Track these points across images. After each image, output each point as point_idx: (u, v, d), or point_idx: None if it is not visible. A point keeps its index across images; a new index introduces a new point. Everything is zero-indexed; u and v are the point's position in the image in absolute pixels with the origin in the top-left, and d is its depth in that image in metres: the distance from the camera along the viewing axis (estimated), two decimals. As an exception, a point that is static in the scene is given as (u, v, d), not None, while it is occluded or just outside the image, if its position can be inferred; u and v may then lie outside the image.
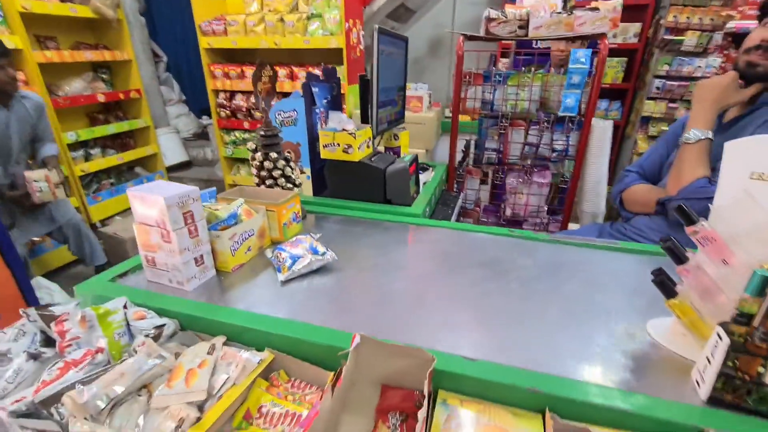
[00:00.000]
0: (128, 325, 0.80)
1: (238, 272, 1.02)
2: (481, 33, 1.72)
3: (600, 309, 0.88)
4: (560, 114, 1.70)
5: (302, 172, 1.50)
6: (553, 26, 1.61)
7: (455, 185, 2.00)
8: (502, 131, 1.85)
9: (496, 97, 1.79)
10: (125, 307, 0.82)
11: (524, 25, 1.65)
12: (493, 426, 0.61)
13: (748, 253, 0.65)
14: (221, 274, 1.00)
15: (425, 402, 0.56)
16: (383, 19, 3.61)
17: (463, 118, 2.10)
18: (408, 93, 3.16)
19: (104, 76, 3.52)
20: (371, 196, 1.44)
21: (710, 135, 1.17)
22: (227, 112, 3.43)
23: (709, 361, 0.63)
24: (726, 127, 1.24)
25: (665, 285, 0.74)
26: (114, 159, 3.44)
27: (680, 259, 0.72)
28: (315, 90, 1.44)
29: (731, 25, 3.17)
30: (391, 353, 0.66)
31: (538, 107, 1.78)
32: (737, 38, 3.32)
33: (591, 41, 1.68)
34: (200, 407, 0.66)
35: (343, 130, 1.36)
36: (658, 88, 3.40)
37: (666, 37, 3.26)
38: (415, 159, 1.52)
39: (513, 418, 0.62)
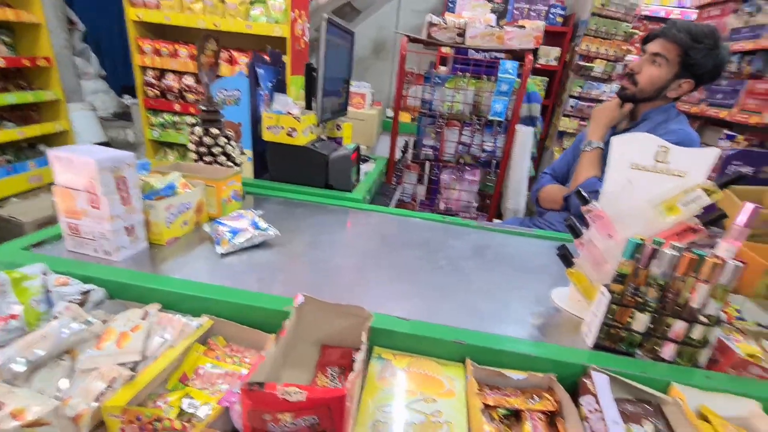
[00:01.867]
0: (48, 292, 0.75)
1: (173, 245, 0.99)
2: (423, 37, 1.84)
3: (515, 282, 1.01)
4: (490, 118, 1.87)
5: (243, 153, 1.47)
6: (486, 37, 1.77)
7: (394, 179, 2.09)
8: (438, 130, 1.98)
9: (435, 98, 1.91)
10: (45, 274, 0.76)
11: (462, 33, 1.79)
12: (422, 374, 0.68)
13: (628, 228, 0.81)
14: (154, 246, 0.97)
15: (362, 347, 0.61)
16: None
17: (405, 118, 2.21)
18: (351, 89, 3.21)
19: (5, 38, 3.08)
20: (313, 180, 1.47)
21: (601, 145, 1.40)
22: (156, 91, 3.19)
23: (595, 315, 0.76)
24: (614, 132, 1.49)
25: (566, 257, 0.88)
26: (13, 133, 3.01)
27: (576, 234, 0.86)
28: (260, 72, 1.43)
29: (629, 57, 3.70)
30: (333, 313, 0.71)
31: (471, 110, 1.94)
32: (634, 70, 3.87)
33: (518, 55, 1.87)
34: (133, 369, 0.64)
35: (288, 113, 1.38)
36: (572, 107, 3.85)
37: (579, 63, 3.70)
38: (357, 148, 1.57)
39: (439, 367, 0.70)
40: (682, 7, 3.53)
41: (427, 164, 2.07)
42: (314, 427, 0.52)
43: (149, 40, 3.08)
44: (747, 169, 1.09)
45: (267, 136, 1.41)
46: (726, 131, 2.28)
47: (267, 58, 1.49)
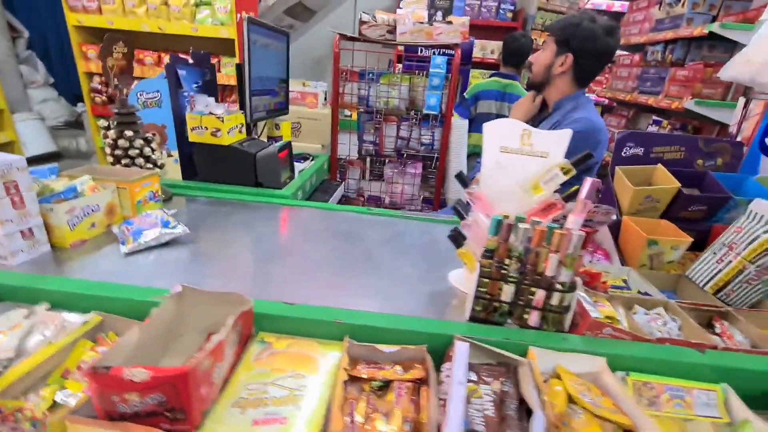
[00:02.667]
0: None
1: (79, 248, 1.00)
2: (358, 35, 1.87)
3: (423, 265, 1.06)
4: (425, 112, 1.92)
5: (170, 155, 1.48)
6: (415, 33, 1.82)
7: (338, 175, 2.12)
8: (377, 125, 2.02)
9: (371, 94, 1.95)
10: (-73, 279, 0.77)
11: (392, 30, 1.84)
12: (299, 353, 0.72)
13: (505, 207, 0.86)
14: (58, 249, 0.97)
15: (223, 330, 0.64)
16: (280, 15, 3.63)
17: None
18: (306, 89, 3.22)
19: (-62, 47, 2.97)
20: (242, 179, 1.49)
21: None
22: (103, 98, 3.14)
23: (471, 290, 0.82)
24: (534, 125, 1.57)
25: (456, 238, 0.93)
26: (-47, 145, 2.92)
27: (462, 216, 0.91)
28: (182, 73, 1.44)
29: (577, 50, 3.82)
30: (215, 301, 0.74)
31: (407, 105, 1.99)
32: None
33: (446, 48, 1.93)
34: (6, 366, 0.66)
35: (211, 113, 1.39)
36: (525, 99, 3.96)
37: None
38: (288, 145, 1.60)
39: (319, 346, 0.74)
40: (620, 0, 3.68)
41: (369, 160, 2.11)
42: (163, 404, 0.55)
43: (93, 45, 3.02)
44: (638, 150, 1.17)
45: (192, 137, 1.42)
46: (654, 117, 2.41)
47: (189, 59, 1.50)
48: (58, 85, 4.33)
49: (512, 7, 4.01)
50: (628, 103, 2.70)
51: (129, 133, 1.22)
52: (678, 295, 1.05)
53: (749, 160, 1.24)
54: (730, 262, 0.93)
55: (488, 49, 3.95)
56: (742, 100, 1.30)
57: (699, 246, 1.11)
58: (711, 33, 1.96)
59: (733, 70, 1.16)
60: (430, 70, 1.85)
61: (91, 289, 0.79)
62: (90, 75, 3.11)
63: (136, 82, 3.02)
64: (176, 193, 1.42)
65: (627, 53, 2.90)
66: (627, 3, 3.18)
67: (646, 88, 2.48)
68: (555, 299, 0.76)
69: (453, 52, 1.88)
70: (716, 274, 0.95)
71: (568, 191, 0.80)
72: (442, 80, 1.87)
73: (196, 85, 1.52)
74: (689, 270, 1.03)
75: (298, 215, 1.35)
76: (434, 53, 1.97)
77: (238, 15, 2.83)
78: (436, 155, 2.08)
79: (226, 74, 3.02)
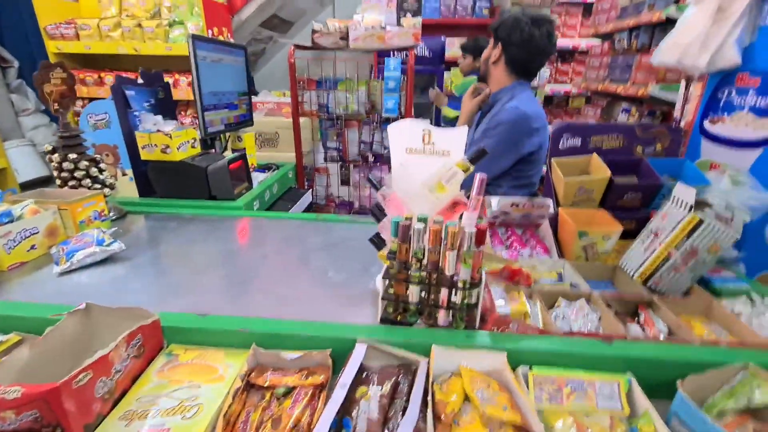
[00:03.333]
0: None
1: (16, 270, 1.02)
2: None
3: (355, 268, 1.06)
4: (384, 115, 1.93)
5: (124, 174, 1.51)
6: (368, 39, 1.84)
7: (306, 183, 2.14)
8: (339, 131, 2.04)
9: (330, 101, 1.97)
10: None
11: (345, 37, 1.86)
12: (201, 364, 0.73)
13: (417, 208, 0.86)
14: (-5, 273, 1.00)
15: (112, 344, 0.65)
16: (257, 29, 3.68)
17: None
18: (282, 100, 3.25)
19: (-73, 82, 3.08)
20: (196, 193, 1.51)
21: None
22: (87, 121, 3.20)
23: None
24: (481, 119, 1.58)
25: (375, 242, 0.94)
26: (-55, 176, 3.01)
27: (378, 218, 0.91)
28: (131, 93, 1.47)
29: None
30: (120, 317, 0.75)
31: (367, 109, 2.01)
32: (561, 54, 3.99)
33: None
34: None
35: (159, 131, 1.42)
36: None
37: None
38: (241, 156, 1.62)
39: (224, 356, 0.75)
40: (596, -10, 3.66)
41: (335, 165, 2.12)
42: (39, 420, 0.56)
43: (74, 71, 3.09)
44: (576, 141, 1.16)
45: (144, 155, 1.45)
46: (624, 105, 2.38)
47: (138, 79, 1.53)
48: (48, 111, 4.44)
49: (488, 5, 4.01)
50: (601, 92, 2.68)
51: (73, 155, 1.25)
52: (615, 285, 1.04)
53: (692, 143, 1.22)
54: (656, 249, 0.92)
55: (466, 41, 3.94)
56: (683, 83, 1.28)
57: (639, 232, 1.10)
58: (668, 17, 1.94)
59: (662, 54, 1.15)
60: (385, 73, 1.86)
61: (8, 310, 0.81)
62: (72, 100, 3.18)
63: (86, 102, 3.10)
64: (132, 210, 1.45)
65: (598, 43, 2.88)
66: (599, -8, 3.15)
67: (616, 76, 2.45)
68: (458, 297, 0.76)
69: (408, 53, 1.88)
70: (643, 263, 0.94)
71: (467, 191, 0.80)
72: (398, 83, 1.88)
73: (147, 104, 1.55)
74: (622, 260, 1.02)
75: (247, 226, 1.37)
76: (388, 56, 1.98)
77: (210, 31, 2.89)
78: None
79: (203, 90, 3.07)
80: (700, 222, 0.87)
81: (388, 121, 2.00)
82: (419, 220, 0.77)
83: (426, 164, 0.84)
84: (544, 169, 1.38)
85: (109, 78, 3.09)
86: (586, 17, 3.84)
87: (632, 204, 1.11)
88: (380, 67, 2.10)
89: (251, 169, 1.95)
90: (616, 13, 2.49)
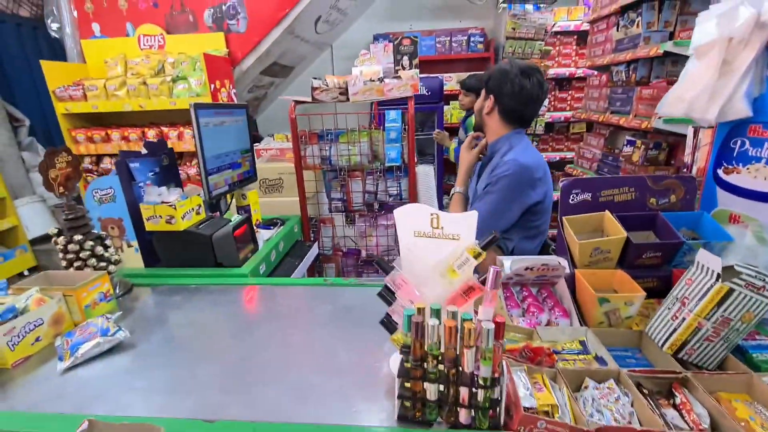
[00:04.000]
0: None
1: (20, 367, 0.99)
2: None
3: (366, 344, 1.02)
4: (387, 165, 1.93)
5: (129, 246, 1.50)
6: (367, 92, 1.85)
7: (311, 235, 2.12)
8: (343, 183, 2.03)
9: (332, 153, 1.98)
10: None
11: (344, 91, 1.88)
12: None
13: (429, 293, 0.83)
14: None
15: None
16: (258, 77, 3.77)
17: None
18: (284, 145, 3.29)
19: (-59, 148, 3.17)
20: (202, 261, 1.49)
21: (460, 190, 1.60)
22: (94, 176, 3.26)
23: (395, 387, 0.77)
24: (482, 170, 1.58)
25: (386, 324, 0.90)
26: (-44, 238, 3.05)
27: (389, 302, 0.88)
28: (135, 165, 1.48)
29: (551, 72, 3.85)
30: (125, 432, 0.71)
31: (370, 159, 2.01)
32: (558, 82, 4.03)
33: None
34: None
35: (163, 202, 1.42)
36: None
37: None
38: (246, 220, 1.61)
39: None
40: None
41: (341, 216, 2.11)
42: None
43: (82, 129, 3.18)
44: (586, 195, 1.13)
45: (149, 226, 1.45)
46: (628, 137, 2.36)
47: (143, 150, 1.55)
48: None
49: (482, 39, 4.10)
50: (602, 123, 2.67)
51: (78, 236, 1.24)
52: (643, 352, 0.98)
53: (707, 193, 1.18)
54: (684, 319, 0.87)
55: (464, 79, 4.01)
56: (690, 130, 1.25)
57: (663, 293, 1.05)
58: (665, 51, 1.94)
59: (668, 107, 1.13)
60: (386, 125, 1.87)
61: (8, 424, 0.78)
62: (81, 157, 3.25)
63: (111, 161, 3.15)
64: (137, 283, 1.43)
65: (596, 73, 2.89)
66: (589, 24, 3.20)
67: (617, 108, 2.45)
68: (479, 395, 0.71)
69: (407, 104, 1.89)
70: (672, 332, 0.88)
71: (483, 276, 0.77)
72: (399, 133, 1.88)
73: (152, 173, 1.56)
74: (648, 326, 0.97)
75: (253, 296, 1.34)
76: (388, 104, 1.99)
77: (212, 85, 2.96)
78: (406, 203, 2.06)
79: (208, 141, 3.12)
80: (730, 291, 0.82)
81: (391, 170, 2.00)
82: (433, 312, 0.73)
83: (435, 248, 0.81)
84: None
85: (116, 134, 3.15)
86: (580, 45, 3.91)
87: (652, 263, 1.07)
88: (380, 115, 2.11)
89: (256, 226, 1.95)
90: (611, 46, 2.51)
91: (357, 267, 2.18)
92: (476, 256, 0.76)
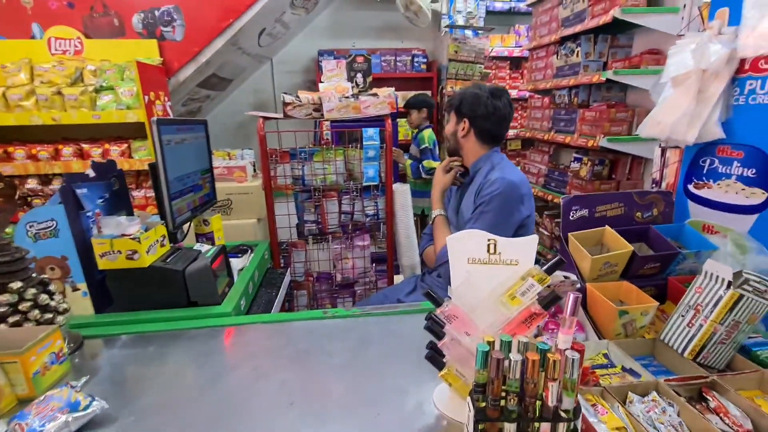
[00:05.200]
0: None
1: (-55, 471, 0.73)
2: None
3: (393, 385, 0.93)
4: (365, 184, 1.86)
5: (75, 289, 1.23)
6: (343, 109, 1.78)
7: (282, 261, 1.96)
8: (317, 203, 1.92)
9: (306, 173, 1.86)
10: None
11: (318, 108, 1.79)
12: None
13: (484, 321, 0.78)
14: None
15: None
16: (194, 89, 3.47)
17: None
18: (232, 163, 3.05)
19: None
20: (172, 302, 1.28)
21: (441, 212, 1.63)
22: None
23: (467, 429, 0.71)
24: (463, 189, 1.61)
25: (434, 359, 0.83)
26: None
27: (438, 336, 0.81)
28: (82, 191, 1.23)
29: (490, 93, 4.12)
30: None
31: (345, 178, 1.92)
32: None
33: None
34: None
35: (123, 235, 1.19)
36: (452, 142, 4.13)
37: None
38: (222, 250, 1.42)
39: None
40: (520, 46, 4.08)
41: (314, 239, 1.98)
42: None
43: (-28, 145, 2.61)
44: (584, 211, 1.18)
45: (104, 264, 1.20)
46: (575, 154, 2.59)
47: (90, 173, 1.30)
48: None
49: (425, 60, 4.26)
50: (548, 141, 2.90)
51: (16, 285, 0.98)
52: (657, 359, 1.04)
53: (678, 206, 1.32)
54: (701, 325, 0.94)
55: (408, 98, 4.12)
56: (658, 150, 1.40)
57: (659, 299, 1.13)
58: (607, 78, 2.18)
59: (648, 129, 1.25)
60: (364, 143, 1.81)
61: None
62: (-32, 179, 2.65)
63: (21, 189, 2.63)
64: (88, 335, 1.17)
65: (538, 96, 3.15)
66: (528, 51, 3.49)
67: (561, 128, 2.68)
68: (560, 429, 0.68)
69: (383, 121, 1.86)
70: (691, 339, 0.95)
71: (548, 299, 0.75)
72: (377, 151, 1.83)
73: (101, 200, 1.31)
74: (662, 333, 1.03)
75: (243, 338, 1.17)
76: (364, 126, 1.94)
77: (146, 96, 2.63)
78: (382, 224, 2.01)
79: (140, 159, 2.75)
80: (740, 296, 0.90)
81: (368, 189, 1.93)
82: (504, 345, 0.69)
83: (491, 274, 0.77)
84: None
85: (20, 152, 2.64)
86: (512, 70, 4.25)
87: (651, 272, 1.15)
88: (334, 133, 2.05)
89: (223, 254, 1.74)
90: (552, 72, 2.76)
91: (331, 292, 2.06)
92: (540, 281, 0.74)
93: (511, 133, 4.25)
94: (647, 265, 1.12)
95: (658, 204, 1.27)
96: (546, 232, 2.82)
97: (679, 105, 1.14)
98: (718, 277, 0.94)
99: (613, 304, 1.02)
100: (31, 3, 2.82)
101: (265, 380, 0.96)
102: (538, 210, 2.97)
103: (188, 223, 1.76)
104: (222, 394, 0.92)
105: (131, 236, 1.19)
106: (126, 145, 2.76)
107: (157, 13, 2.94)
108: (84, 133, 2.86)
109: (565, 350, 0.66)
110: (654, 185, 1.45)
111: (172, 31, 2.99)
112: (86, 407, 0.82)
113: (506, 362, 0.66)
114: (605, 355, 1.01)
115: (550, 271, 0.74)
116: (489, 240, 0.76)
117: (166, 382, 0.97)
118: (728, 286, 0.91)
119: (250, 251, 1.79)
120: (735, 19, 1.08)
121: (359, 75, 3.22)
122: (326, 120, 1.75)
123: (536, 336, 1.09)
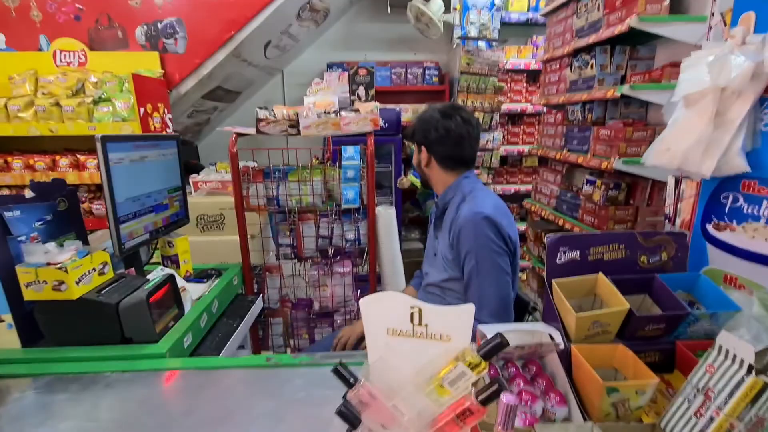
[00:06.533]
0: None
1: None
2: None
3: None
4: (344, 206, 1.71)
5: (0, 321, 1.13)
6: (321, 125, 1.65)
7: (255, 287, 1.82)
8: (292, 226, 1.78)
9: (280, 193, 1.73)
10: None
11: (294, 124, 1.66)
12: None
13: (408, 409, 0.61)
14: None
15: None
16: (199, 101, 3.45)
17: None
18: (227, 177, 2.98)
19: None
20: (105, 337, 1.16)
21: None
22: (-13, 212, 2.71)
23: None
24: (437, 224, 1.45)
25: (349, 452, 0.65)
26: None
27: (354, 425, 0.64)
28: (13, 215, 1.14)
29: (504, 107, 3.92)
30: None
31: (323, 200, 1.78)
32: (511, 117, 4.11)
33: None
34: None
35: (49, 264, 1.08)
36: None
37: (460, 116, 3.82)
38: (169, 279, 1.30)
39: None
40: (537, 58, 3.86)
41: (291, 264, 1.84)
42: None
43: (-28, 155, 2.65)
44: (574, 254, 0.98)
45: (29, 295, 1.10)
46: (587, 176, 2.35)
47: (28, 194, 1.21)
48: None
49: (437, 72, 4.11)
50: (560, 161, 2.67)
51: None
52: (656, 451, 0.81)
53: (695, 248, 1.09)
54: (713, 418, 0.72)
55: (419, 111, 3.96)
56: (671, 180, 1.18)
57: (666, 367, 0.92)
58: (623, 94, 1.95)
59: (655, 158, 1.04)
60: (343, 162, 1.67)
61: None
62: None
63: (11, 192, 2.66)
64: (10, 374, 1.06)
65: (547, 110, 2.93)
66: (542, 63, 3.28)
67: (574, 146, 2.45)
68: None
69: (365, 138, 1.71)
70: (698, 435, 0.73)
71: (487, 393, 0.56)
72: (357, 171, 1.68)
73: (40, 223, 1.22)
74: (663, 419, 0.80)
75: (172, 387, 1.03)
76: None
77: (142, 109, 2.60)
78: (365, 250, 1.85)
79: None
80: (766, 386, 0.68)
81: (348, 212, 1.78)
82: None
83: (416, 350, 0.59)
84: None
85: (18, 162, 2.66)
86: (529, 83, 4.03)
87: (654, 334, 0.93)
88: (335, 151, 1.91)
89: (186, 279, 1.62)
90: (565, 86, 2.54)
91: (309, 321, 1.90)
92: (474, 368, 0.55)
93: (525, 149, 4.02)
94: (649, 326, 0.91)
95: (668, 247, 1.04)
96: (556, 260, 2.57)
97: (692, 129, 0.93)
98: (735, 356, 0.72)
99: (599, 378, 0.81)
100: (40, 16, 2.88)
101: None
102: (551, 233, 2.73)
103: (154, 247, 1.66)
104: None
105: (58, 265, 1.08)
106: (122, 157, 2.74)
107: (160, 25, 2.94)
108: (83, 144, 2.86)
109: (493, 478, 0.47)
110: (667, 220, 1.22)
111: (175, 44, 2.98)
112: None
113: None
114: (589, 444, 0.80)
115: (488, 356, 0.55)
116: (412, 307, 0.58)
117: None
118: (749, 371, 0.69)
119: (215, 276, 1.67)
120: (763, 26, 0.87)
121: (361, 88, 3.11)
122: (305, 136, 1.62)
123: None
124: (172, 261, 1.64)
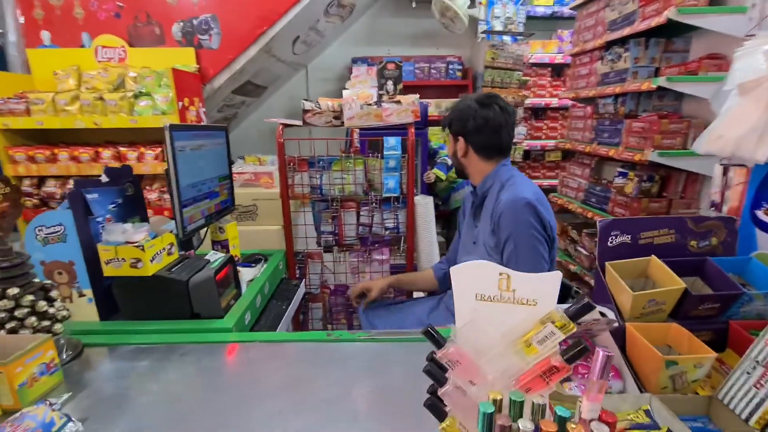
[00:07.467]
0: None
1: None
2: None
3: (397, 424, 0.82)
4: (384, 195, 1.77)
5: (81, 295, 1.22)
6: (364, 117, 1.71)
7: (297, 272, 1.90)
8: (335, 214, 1.84)
9: (324, 182, 1.79)
10: None
11: (338, 115, 1.72)
12: None
13: (492, 369, 0.66)
14: None
15: None
16: (229, 96, 3.54)
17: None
18: (260, 169, 3.06)
19: None
20: (175, 312, 1.24)
21: None
22: (35, 200, 2.85)
23: (465, 506, 0.59)
24: (476, 213, 1.49)
25: (435, 408, 0.71)
26: None
27: (440, 382, 0.70)
28: (93, 197, 1.22)
29: (528, 102, 3.92)
30: None
31: (365, 189, 1.84)
32: (535, 111, 4.12)
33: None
34: None
35: (128, 243, 1.16)
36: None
37: (484, 111, 3.84)
38: (229, 260, 1.37)
39: None
40: (562, 52, 3.85)
41: (335, 250, 1.91)
42: None
43: (22, 147, 2.78)
44: (626, 238, 1.02)
45: (108, 271, 1.18)
46: (619, 169, 2.36)
47: (103, 178, 1.29)
48: None
49: (460, 67, 4.13)
50: (588, 154, 2.68)
51: (13, 290, 0.97)
52: (713, 422, 0.86)
53: (743, 234, 1.12)
54: (773, 389, 0.76)
55: (443, 106, 3.99)
56: (719, 168, 1.20)
57: (718, 346, 0.95)
58: (659, 86, 1.96)
59: (707, 145, 1.07)
60: (385, 153, 1.72)
61: None
62: (19, 178, 2.83)
63: (62, 189, 2.77)
64: (90, 342, 1.15)
65: (580, 105, 2.94)
66: (570, 57, 3.28)
67: (604, 139, 2.46)
68: None
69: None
70: (760, 404, 0.77)
71: (574, 350, 0.61)
72: (398, 161, 1.74)
73: (113, 206, 1.30)
74: (721, 391, 0.85)
75: (240, 357, 1.11)
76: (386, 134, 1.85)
77: (180, 102, 2.70)
78: (403, 237, 1.91)
79: (173, 162, 2.82)
80: (826, 357, 0.71)
81: (388, 200, 1.84)
82: (513, 405, 0.56)
83: (504, 315, 0.65)
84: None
85: (64, 154, 2.78)
86: (554, 77, 4.02)
87: (707, 314, 0.97)
88: (362, 142, 1.97)
89: (236, 261, 1.70)
90: (596, 79, 2.55)
91: (347, 307, 1.97)
92: (562, 328, 0.60)
93: (550, 144, 4.02)
94: (703, 305, 0.94)
95: (718, 232, 1.08)
96: (584, 252, 2.59)
97: (747, 117, 0.96)
98: (796, 329, 0.75)
99: (658, 352, 0.86)
100: (83, 13, 2.99)
101: (254, 409, 0.88)
102: (577, 227, 2.75)
103: (205, 230, 1.75)
104: (205, 421, 0.85)
105: (135, 244, 1.17)
106: (160, 149, 2.84)
107: (195, 22, 3.03)
108: (123, 137, 2.98)
109: (590, 421, 0.53)
110: (713, 208, 1.25)
111: (209, 39, 3.07)
112: (60, 428, 0.78)
113: (514, 430, 0.54)
114: (647, 413, 0.85)
115: (575, 317, 0.61)
116: (501, 274, 0.64)
117: (150, 403, 0.92)
118: (811, 343, 0.73)
119: (263, 261, 1.74)
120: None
121: (389, 82, 3.15)
122: (356, 128, 1.68)
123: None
124: (222, 245, 1.72)
